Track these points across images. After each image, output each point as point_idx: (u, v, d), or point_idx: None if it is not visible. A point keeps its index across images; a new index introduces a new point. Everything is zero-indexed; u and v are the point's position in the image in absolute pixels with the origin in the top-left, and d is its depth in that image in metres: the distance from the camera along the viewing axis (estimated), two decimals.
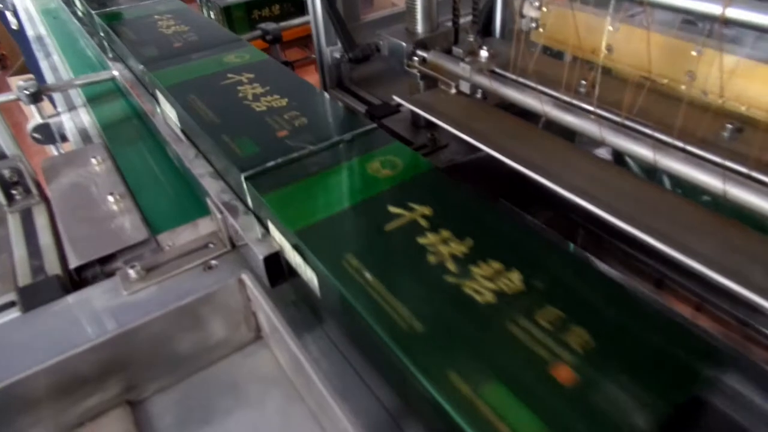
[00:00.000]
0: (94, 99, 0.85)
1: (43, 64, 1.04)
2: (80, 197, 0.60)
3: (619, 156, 0.61)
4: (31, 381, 0.36)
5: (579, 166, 0.47)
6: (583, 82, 0.51)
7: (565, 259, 0.39)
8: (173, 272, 0.49)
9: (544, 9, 0.51)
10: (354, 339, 0.42)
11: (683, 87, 0.47)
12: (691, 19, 0.46)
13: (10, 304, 0.47)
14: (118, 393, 0.40)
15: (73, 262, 0.50)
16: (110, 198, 0.58)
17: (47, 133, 0.84)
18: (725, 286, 0.34)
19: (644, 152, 0.43)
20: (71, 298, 0.47)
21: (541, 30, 0.53)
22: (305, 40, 1.69)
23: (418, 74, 0.64)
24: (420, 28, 0.70)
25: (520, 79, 0.54)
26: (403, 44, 0.67)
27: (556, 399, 0.29)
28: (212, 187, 0.53)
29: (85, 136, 0.77)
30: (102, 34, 0.93)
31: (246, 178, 0.48)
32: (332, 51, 0.83)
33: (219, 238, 0.53)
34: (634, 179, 0.45)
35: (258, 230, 0.47)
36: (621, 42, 0.49)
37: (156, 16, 0.89)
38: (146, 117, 0.73)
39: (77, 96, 0.87)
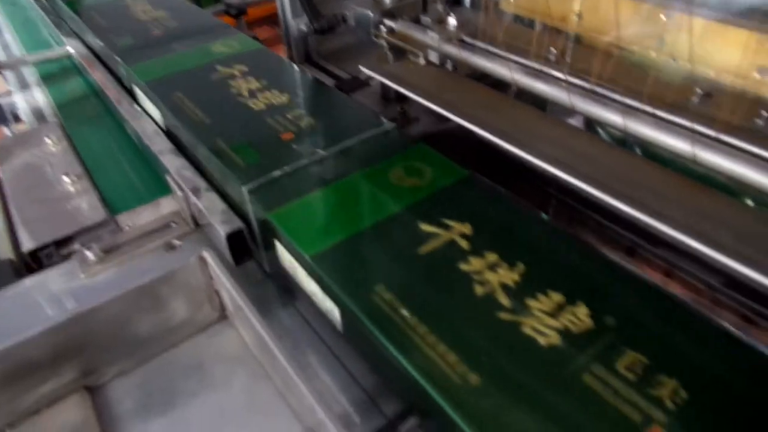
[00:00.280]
0: (48, 77, 0.81)
1: None
2: (34, 178, 0.57)
3: (590, 126, 0.61)
4: None
5: (550, 134, 0.46)
6: (553, 50, 0.50)
7: (638, 287, 0.32)
8: (133, 253, 0.47)
9: None
10: (380, 374, 0.36)
11: (653, 53, 0.46)
12: None
13: None
14: (75, 378, 0.38)
15: (27, 245, 0.48)
16: (66, 179, 0.56)
17: None
18: (697, 249, 0.34)
19: (614, 118, 0.42)
20: (25, 283, 0.44)
21: None
22: (275, 17, 1.65)
23: (386, 45, 0.62)
24: None
25: (490, 48, 0.53)
26: (370, 14, 0.65)
27: None
28: (172, 163, 0.51)
29: (39, 115, 0.73)
30: (66, 21, 0.88)
31: (249, 192, 0.42)
32: (298, 23, 0.81)
33: (181, 217, 0.51)
34: (606, 146, 0.45)
35: (221, 207, 0.45)
36: (590, 9, 0.48)
37: (128, 0, 0.83)
38: (104, 95, 0.70)
39: (31, 75, 0.83)
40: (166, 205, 0.53)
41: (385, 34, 0.62)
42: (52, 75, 0.82)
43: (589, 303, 0.31)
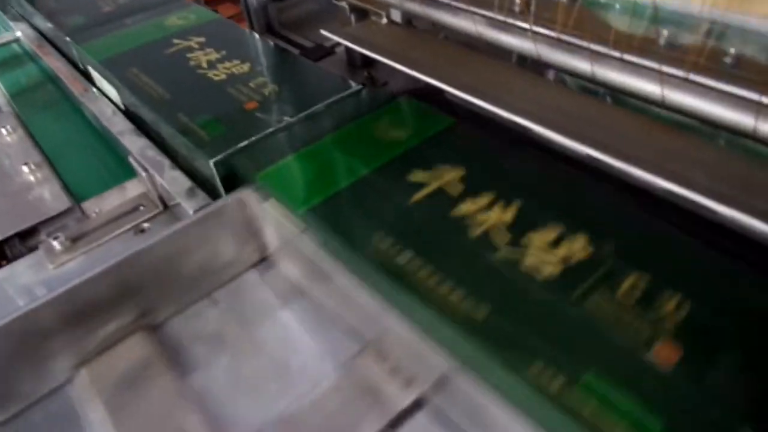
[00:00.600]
0: None
1: None
2: None
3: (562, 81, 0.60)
4: None
5: (521, 87, 0.45)
6: (517, 0, 0.49)
7: (636, 214, 0.34)
8: (102, 240, 0.46)
9: None
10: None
11: None
12: None
13: None
14: (136, 318, 0.39)
15: None
16: (25, 168, 0.54)
17: None
18: (673, 191, 0.34)
19: (581, 65, 0.42)
20: None
21: None
22: None
23: (348, 6, 0.60)
24: None
25: (452, 3, 0.51)
26: None
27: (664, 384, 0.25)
28: (134, 144, 0.49)
29: None
30: (12, 4, 0.83)
31: (215, 165, 0.42)
32: None
33: (149, 199, 0.49)
34: (578, 96, 0.44)
35: (187, 185, 0.44)
36: None
37: None
38: (58, 79, 0.67)
39: None
40: (133, 188, 0.51)
41: None
42: (2, 62, 0.78)
43: (589, 232, 0.33)
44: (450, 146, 0.42)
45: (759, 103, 0.32)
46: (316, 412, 0.33)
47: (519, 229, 0.34)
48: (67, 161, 0.57)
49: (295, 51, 0.76)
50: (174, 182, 0.44)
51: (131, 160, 0.48)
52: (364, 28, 0.56)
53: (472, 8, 0.49)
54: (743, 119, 0.34)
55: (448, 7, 0.51)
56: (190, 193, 0.43)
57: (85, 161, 0.58)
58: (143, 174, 0.47)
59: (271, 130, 0.44)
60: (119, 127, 0.52)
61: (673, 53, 0.40)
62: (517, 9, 0.48)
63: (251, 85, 0.50)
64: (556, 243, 0.33)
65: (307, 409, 0.34)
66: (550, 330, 0.28)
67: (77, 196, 0.52)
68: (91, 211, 0.50)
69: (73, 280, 0.36)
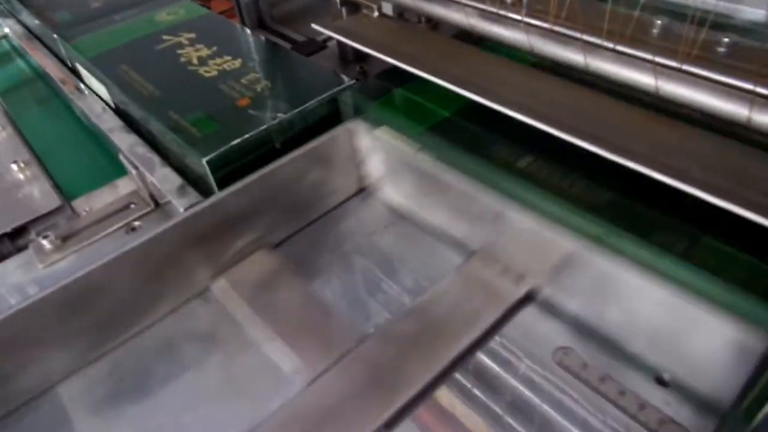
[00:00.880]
0: None
1: None
2: None
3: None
4: None
5: (514, 79, 0.45)
6: None
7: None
8: (92, 239, 0.45)
9: None
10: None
11: None
12: None
13: None
14: (260, 236, 0.45)
15: None
16: (14, 167, 0.53)
17: None
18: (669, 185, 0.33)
19: (575, 57, 0.41)
20: None
21: None
22: None
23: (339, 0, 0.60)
24: None
25: None
26: None
27: None
28: (124, 142, 0.49)
29: None
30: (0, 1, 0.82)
31: (209, 163, 0.42)
32: None
33: (140, 197, 0.49)
34: (572, 87, 0.44)
35: (178, 182, 0.43)
36: None
37: None
38: (47, 76, 0.66)
39: None
40: (124, 186, 0.51)
41: None
42: None
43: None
44: None
45: (752, 92, 0.32)
46: (436, 305, 0.38)
47: None
48: (57, 159, 0.56)
49: (287, 46, 0.76)
50: (165, 180, 0.44)
51: (122, 157, 0.48)
52: (356, 22, 0.56)
53: (463, 0, 0.49)
54: (737, 109, 0.34)
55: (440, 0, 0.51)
56: (181, 190, 0.43)
57: (75, 159, 0.58)
58: (134, 172, 0.46)
59: (263, 127, 0.44)
60: (109, 124, 0.51)
61: (667, 43, 0.40)
62: (509, 0, 0.48)
63: (243, 81, 0.50)
64: None
65: (427, 303, 0.38)
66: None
67: (67, 195, 0.51)
68: (81, 210, 0.49)
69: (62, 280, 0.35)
